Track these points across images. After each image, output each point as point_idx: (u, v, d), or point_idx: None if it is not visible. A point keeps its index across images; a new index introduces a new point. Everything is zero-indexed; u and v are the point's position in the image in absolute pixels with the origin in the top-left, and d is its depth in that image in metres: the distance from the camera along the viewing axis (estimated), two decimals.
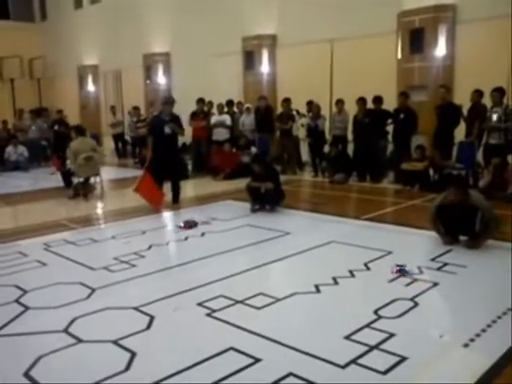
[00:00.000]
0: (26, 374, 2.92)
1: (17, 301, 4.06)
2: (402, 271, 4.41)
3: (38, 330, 3.51)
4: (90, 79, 17.93)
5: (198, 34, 13.79)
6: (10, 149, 13.27)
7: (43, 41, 18.87)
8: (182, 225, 6.28)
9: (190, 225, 6.28)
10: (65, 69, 18.29)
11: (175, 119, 7.53)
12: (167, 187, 7.59)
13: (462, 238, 5.20)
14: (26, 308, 3.91)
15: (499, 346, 3.09)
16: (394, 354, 3.03)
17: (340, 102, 10.02)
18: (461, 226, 5.10)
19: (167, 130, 7.32)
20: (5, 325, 3.60)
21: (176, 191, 7.65)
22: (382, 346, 3.13)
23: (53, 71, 18.71)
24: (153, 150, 7.41)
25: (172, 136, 7.43)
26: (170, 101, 7.63)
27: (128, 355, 3.10)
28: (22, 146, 13.44)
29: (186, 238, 5.85)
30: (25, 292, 4.25)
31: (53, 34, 18.67)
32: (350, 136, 9.95)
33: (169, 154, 7.36)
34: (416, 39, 10.05)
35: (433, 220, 5.23)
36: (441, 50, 9.87)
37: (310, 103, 10.66)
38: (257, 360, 2.99)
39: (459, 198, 4.97)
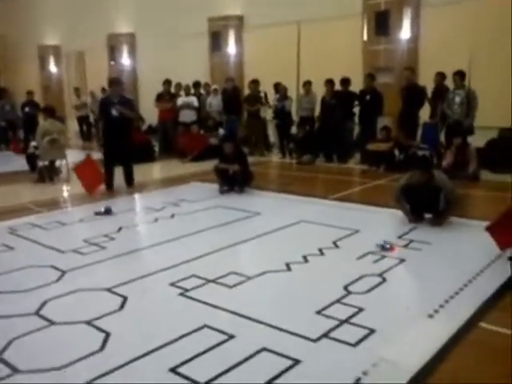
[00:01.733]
0: None
1: None
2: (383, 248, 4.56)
3: (8, 313, 3.47)
4: (51, 60, 17.42)
5: (164, 14, 13.56)
6: None
7: (2, 19, 18.16)
8: (102, 210, 6.11)
9: (108, 212, 6.10)
10: (25, 49, 17.69)
11: (125, 102, 7.37)
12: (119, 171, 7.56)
13: (427, 215, 5.36)
14: None
15: (461, 315, 3.24)
16: (363, 326, 3.14)
17: (307, 84, 10.09)
18: (425, 205, 5.25)
19: (114, 112, 7.18)
20: None
21: (128, 175, 7.55)
22: (352, 320, 3.23)
23: (12, 51, 18.08)
24: (103, 133, 7.34)
25: (121, 119, 7.24)
26: (116, 82, 7.44)
27: (102, 335, 3.10)
28: None
29: (155, 220, 5.84)
30: None
31: (12, 12, 17.99)
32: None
33: (118, 138, 7.22)
34: (381, 22, 10.19)
35: (397, 199, 5.38)
36: (405, 32, 10.02)
37: (277, 85, 10.67)
38: (230, 336, 3.05)
39: (424, 179, 5.12)
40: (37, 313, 3.45)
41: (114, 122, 7.21)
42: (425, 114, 8.89)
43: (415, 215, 5.33)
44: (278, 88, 10.63)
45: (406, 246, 4.69)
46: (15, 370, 2.77)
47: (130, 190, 7.47)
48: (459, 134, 7.85)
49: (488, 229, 4.29)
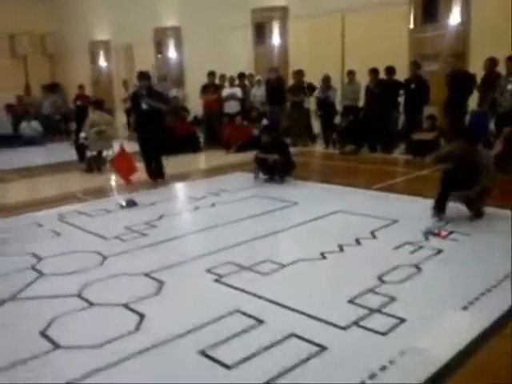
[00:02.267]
0: (42, 333, 3.08)
1: (33, 267, 4.23)
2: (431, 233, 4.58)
3: (52, 294, 3.67)
4: (101, 54, 17.91)
5: (208, 6, 13.65)
6: (23, 124, 13.45)
7: (54, 16, 18.81)
8: (123, 203, 6.15)
9: (130, 204, 6.14)
10: (76, 44, 18.26)
11: (154, 94, 7.42)
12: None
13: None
14: (41, 274, 4.08)
15: (496, 309, 3.16)
16: (394, 316, 3.12)
17: (351, 73, 9.96)
18: (461, 180, 4.95)
19: (144, 105, 7.25)
20: (21, 289, 3.77)
21: (158, 167, 7.56)
22: (384, 309, 3.22)
23: (65, 47, 18.70)
24: (136, 125, 7.44)
25: (151, 112, 7.29)
26: (143, 75, 7.48)
27: (137, 317, 3.23)
28: (35, 121, 13.61)
29: (195, 209, 5.96)
30: (40, 259, 4.42)
31: (64, 10, 18.59)
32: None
33: (148, 130, 7.29)
34: (429, 7, 9.87)
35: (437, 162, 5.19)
36: (455, 18, 9.69)
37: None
38: (260, 322, 3.10)
39: (468, 151, 4.90)
40: (78, 294, 3.63)
41: (144, 114, 7.31)
42: (474, 102, 8.59)
43: (438, 211, 5.04)
44: (323, 78, 10.51)
45: (445, 237, 4.59)
46: (57, 346, 2.94)
47: (161, 181, 7.51)
48: (510, 123, 7.55)
49: None
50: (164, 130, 7.73)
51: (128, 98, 14.64)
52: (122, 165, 7.29)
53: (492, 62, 8.24)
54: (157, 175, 7.58)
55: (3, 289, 3.79)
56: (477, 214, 5.05)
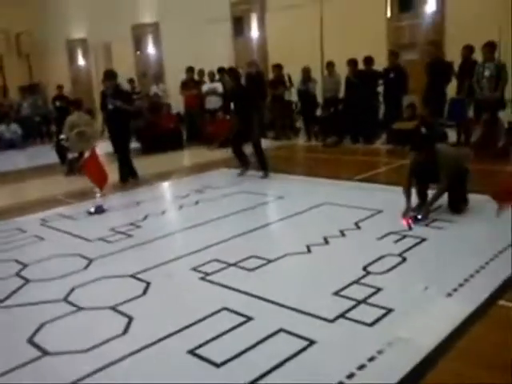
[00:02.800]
0: (30, 341, 3.06)
1: (17, 274, 4.19)
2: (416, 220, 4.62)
3: (38, 300, 3.64)
4: (79, 53, 17.72)
5: (186, 1, 13.57)
6: (2, 127, 13.27)
7: (30, 14, 18.50)
8: (92, 210, 5.99)
9: (98, 211, 5.98)
10: (53, 43, 18.03)
11: (119, 94, 7.36)
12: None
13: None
14: (27, 281, 4.04)
15: (480, 293, 3.22)
16: (380, 306, 3.15)
17: (330, 65, 9.98)
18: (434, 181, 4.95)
19: (109, 105, 7.21)
20: (7, 297, 3.74)
21: (128, 167, 7.47)
22: (369, 300, 3.25)
23: (41, 46, 18.45)
24: (106, 126, 7.49)
25: (116, 111, 7.21)
26: (109, 75, 7.40)
27: (125, 320, 3.23)
28: (14, 123, 13.43)
29: (180, 207, 5.95)
30: (25, 266, 4.37)
31: (39, 7, 18.30)
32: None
33: (114, 129, 7.28)
34: None
35: (407, 185, 4.91)
36: (431, 6, 9.77)
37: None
38: (249, 318, 3.12)
39: (424, 158, 4.77)
40: (65, 299, 3.61)
41: (110, 114, 7.28)
42: (452, 90, 8.68)
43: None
44: (303, 70, 10.52)
45: (428, 224, 4.64)
46: (45, 353, 2.92)
47: (124, 184, 7.39)
48: (488, 109, 7.65)
49: (492, 195, 4.07)
50: (128, 130, 7.61)
51: None
52: (93, 170, 7.08)
53: (468, 50, 8.33)
54: (128, 175, 7.50)
55: None
56: (455, 210, 4.96)
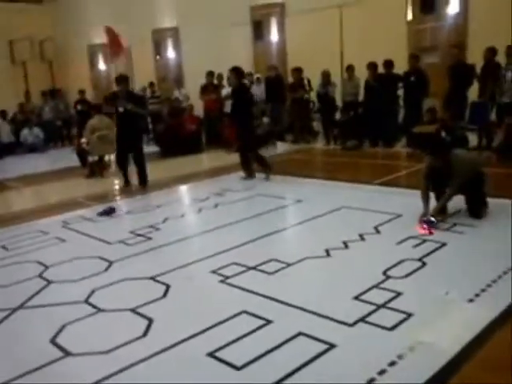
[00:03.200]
0: (53, 341, 3.10)
1: (40, 275, 4.26)
2: (431, 223, 4.55)
3: (60, 301, 3.70)
4: (100, 58, 17.94)
5: (206, 6, 13.67)
6: (25, 131, 13.50)
7: (52, 22, 18.83)
8: (103, 210, 6.09)
9: (108, 212, 6.06)
10: (75, 49, 18.27)
11: (131, 97, 7.42)
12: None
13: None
14: (49, 282, 4.10)
15: (503, 299, 3.17)
16: (400, 311, 3.13)
17: (350, 68, 9.95)
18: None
19: (120, 108, 7.25)
20: (30, 298, 3.80)
21: (140, 174, 7.47)
22: (389, 305, 3.22)
23: (64, 52, 18.74)
24: (116, 128, 7.49)
25: (128, 114, 7.25)
26: (120, 79, 7.45)
27: (145, 322, 3.25)
28: (36, 127, 13.65)
29: (199, 210, 5.98)
30: (46, 267, 4.44)
31: (61, 15, 18.61)
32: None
33: (125, 133, 7.29)
34: None
35: (424, 190, 4.86)
36: (453, 7, 9.68)
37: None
38: (268, 322, 3.12)
39: (440, 163, 4.73)
40: (86, 301, 3.65)
41: (121, 117, 7.32)
42: (474, 93, 8.58)
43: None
44: (322, 74, 10.50)
45: (448, 229, 4.59)
46: (67, 353, 2.96)
47: (143, 189, 7.41)
48: (511, 113, 7.55)
49: None
50: (141, 134, 7.69)
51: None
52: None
53: (491, 52, 8.23)
54: (140, 181, 7.49)
55: (12, 298, 3.82)
56: (474, 215, 4.87)
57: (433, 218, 4.64)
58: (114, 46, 7.15)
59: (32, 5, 18.68)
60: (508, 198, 5.21)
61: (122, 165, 7.56)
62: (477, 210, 4.85)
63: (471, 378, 2.48)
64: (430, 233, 4.50)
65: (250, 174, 7.49)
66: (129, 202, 6.83)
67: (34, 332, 3.29)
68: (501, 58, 8.12)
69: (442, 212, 4.87)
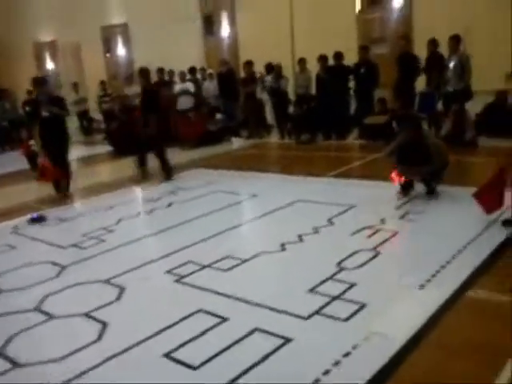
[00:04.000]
0: (0, 353, 3.00)
1: None
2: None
3: (10, 310, 3.58)
4: (47, 56, 17.42)
5: (155, 1, 13.46)
6: None
7: None
8: (34, 216, 5.91)
9: (39, 219, 5.86)
10: (20, 46, 17.68)
11: (54, 100, 7.16)
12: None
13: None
14: None
15: (452, 283, 3.27)
16: (354, 301, 3.18)
17: (301, 61, 10.00)
18: (416, 164, 5.14)
19: (44, 113, 6.93)
20: None
21: (66, 176, 7.17)
22: (344, 296, 3.28)
23: (7, 49, 18.07)
24: (39, 134, 7.07)
25: (53, 118, 6.96)
26: (41, 82, 7.15)
27: (100, 326, 3.19)
28: None
29: (151, 211, 5.89)
30: None
31: (4, 10, 17.94)
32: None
33: (54, 137, 6.94)
34: None
35: (388, 155, 5.35)
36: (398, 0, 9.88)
37: (268, 65, 10.55)
38: (224, 319, 3.11)
39: (413, 137, 5.08)
40: (37, 308, 3.54)
41: (46, 122, 6.95)
42: (421, 83, 8.80)
43: (403, 191, 5.30)
44: (274, 67, 10.52)
45: (401, 217, 4.70)
46: (15, 364, 2.88)
47: (66, 194, 7.13)
48: (455, 101, 7.78)
49: (475, 195, 4.29)
50: (68, 136, 7.36)
51: (79, 100, 14.39)
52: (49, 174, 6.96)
53: (433, 44, 8.46)
54: (66, 187, 7.18)
55: None
56: (430, 191, 5.19)
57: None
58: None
59: None
60: (456, 185, 5.37)
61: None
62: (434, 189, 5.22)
63: (424, 362, 2.55)
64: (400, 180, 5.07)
65: (143, 174, 7.62)
66: (81, 204, 6.67)
67: None
68: (445, 49, 8.34)
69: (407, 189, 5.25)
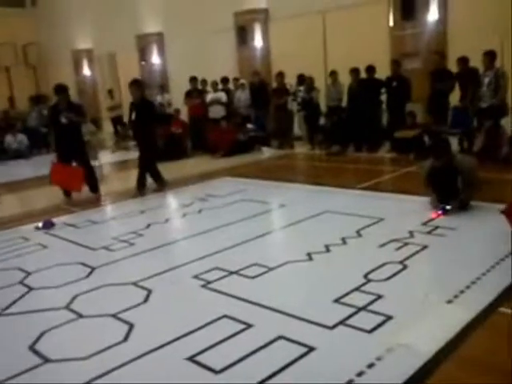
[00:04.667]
0: (31, 348, 3.09)
1: (21, 282, 4.22)
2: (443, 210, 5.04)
3: (41, 308, 3.68)
4: (85, 63, 17.89)
5: (190, 11, 13.70)
6: (9, 138, 13.38)
7: (36, 26, 18.76)
8: (40, 225, 5.86)
9: (47, 226, 5.85)
10: (59, 54, 18.23)
11: (73, 107, 7.25)
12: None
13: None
14: (30, 288, 4.07)
15: (481, 300, 3.22)
16: (380, 313, 3.15)
17: (334, 73, 10.03)
18: (449, 189, 5.15)
19: (63, 119, 7.02)
20: (10, 304, 3.77)
21: (91, 180, 7.32)
22: (370, 307, 3.25)
23: (47, 57, 18.66)
24: (55, 140, 7.26)
25: (71, 125, 7.08)
26: (61, 89, 7.16)
27: (126, 327, 3.24)
28: (21, 134, 13.54)
29: (183, 216, 5.98)
30: (28, 274, 4.41)
31: (45, 19, 18.54)
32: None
33: (72, 144, 7.09)
34: (407, 5, 9.99)
35: (426, 185, 5.32)
36: (433, 15, 9.81)
37: (300, 77, 10.62)
38: (249, 325, 3.13)
39: (442, 164, 5.05)
40: (67, 307, 3.63)
41: (64, 129, 7.06)
42: (455, 98, 8.70)
43: (440, 204, 5.23)
44: (305, 79, 10.57)
45: (430, 232, 4.64)
46: (46, 360, 2.95)
47: (96, 196, 7.33)
48: (490, 117, 7.66)
49: (504, 211, 4.21)
50: (83, 143, 7.50)
51: (114, 106, 14.70)
52: (62, 177, 7.07)
53: (463, 61, 8.36)
54: (91, 188, 7.37)
55: None
56: (462, 206, 5.12)
57: (448, 206, 5.07)
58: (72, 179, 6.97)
59: (14, 9, 18.56)
60: (488, 201, 5.28)
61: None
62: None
63: (448, 378, 2.51)
64: (440, 215, 5.01)
65: (141, 191, 7.47)
66: (112, 208, 6.80)
67: (13, 339, 3.26)
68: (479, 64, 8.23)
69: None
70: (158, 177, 7.59)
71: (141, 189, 7.49)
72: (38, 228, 5.83)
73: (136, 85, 7.50)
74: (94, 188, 7.39)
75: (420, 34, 9.90)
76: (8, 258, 4.93)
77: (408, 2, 9.95)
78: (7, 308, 3.72)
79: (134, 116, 7.43)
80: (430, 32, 9.79)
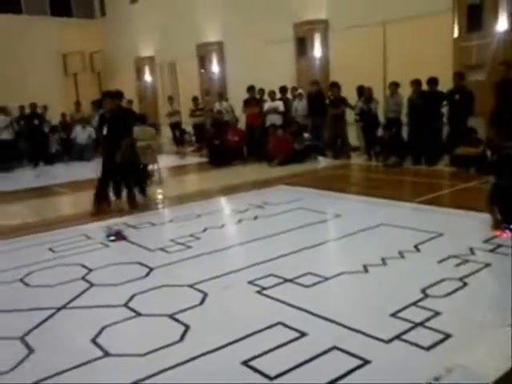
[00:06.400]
0: (93, 341, 3.22)
1: (83, 278, 4.41)
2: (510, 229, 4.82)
3: (101, 303, 3.82)
4: (146, 70, 18.46)
5: (250, 21, 13.88)
6: (78, 129, 13.90)
7: (103, 36, 19.60)
8: (112, 238, 5.59)
9: (120, 237, 5.62)
10: (123, 61, 18.92)
11: (123, 113, 7.04)
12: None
13: None
14: (91, 284, 4.24)
15: None
16: (438, 331, 3.08)
17: (393, 85, 9.88)
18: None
19: (105, 130, 6.80)
20: (73, 299, 3.94)
21: (129, 194, 7.02)
22: (427, 324, 3.18)
23: (112, 64, 19.41)
24: (102, 149, 6.92)
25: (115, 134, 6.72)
26: (113, 95, 6.94)
27: (182, 328, 3.32)
28: (89, 127, 13.91)
29: (239, 221, 6.05)
30: (90, 270, 4.59)
31: (111, 29, 19.34)
32: (404, 119, 9.81)
33: (113, 153, 6.70)
34: (474, 15, 9.71)
35: (489, 204, 5.07)
36: (502, 25, 9.49)
37: (360, 88, 10.54)
38: (303, 334, 3.13)
39: (509, 181, 4.84)
40: (125, 305, 3.75)
41: (106, 138, 6.81)
42: None
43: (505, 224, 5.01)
44: (365, 90, 10.49)
45: (492, 250, 4.49)
46: (107, 353, 3.06)
47: (133, 211, 6.89)
48: None
49: None
50: (134, 153, 7.16)
51: (173, 112, 15.07)
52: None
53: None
54: (130, 203, 7.02)
55: (56, 298, 3.98)
56: None
57: None
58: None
59: (85, 20, 19.60)
60: None
61: (103, 185, 7.00)
62: None
63: None
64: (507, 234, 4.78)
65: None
66: (171, 211, 6.97)
67: (75, 331, 3.41)
68: None
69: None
70: (143, 191, 7.29)
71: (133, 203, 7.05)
72: (110, 240, 5.54)
73: (109, 97, 6.94)
74: (133, 204, 7.04)
75: (487, 45, 9.58)
76: (71, 254, 5.15)
77: (475, 13, 9.67)
78: (70, 302, 3.89)
79: (105, 131, 6.84)
80: (498, 43, 9.47)
